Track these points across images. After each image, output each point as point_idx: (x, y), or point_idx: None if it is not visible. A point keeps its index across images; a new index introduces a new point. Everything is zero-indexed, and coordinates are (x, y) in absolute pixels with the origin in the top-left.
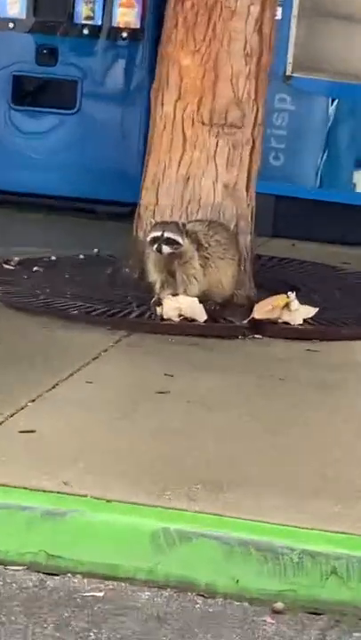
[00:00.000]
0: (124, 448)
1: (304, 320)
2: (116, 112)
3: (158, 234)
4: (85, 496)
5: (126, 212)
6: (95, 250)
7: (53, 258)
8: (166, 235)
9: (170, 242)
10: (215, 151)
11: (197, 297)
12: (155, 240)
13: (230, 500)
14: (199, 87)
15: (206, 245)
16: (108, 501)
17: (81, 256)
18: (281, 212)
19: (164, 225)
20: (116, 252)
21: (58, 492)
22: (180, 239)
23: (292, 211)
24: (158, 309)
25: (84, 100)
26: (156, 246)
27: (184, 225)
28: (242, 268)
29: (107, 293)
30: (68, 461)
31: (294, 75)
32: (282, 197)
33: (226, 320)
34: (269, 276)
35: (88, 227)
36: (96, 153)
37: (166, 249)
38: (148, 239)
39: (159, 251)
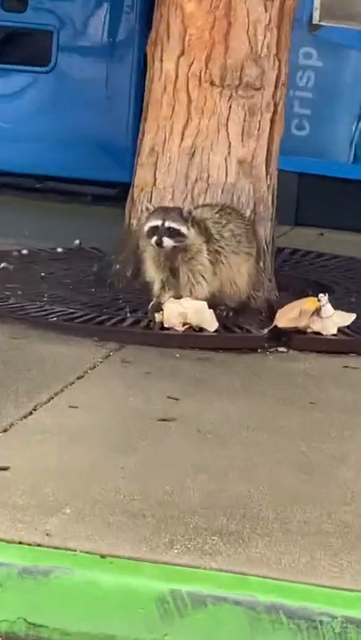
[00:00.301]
0: (121, 489)
1: (339, 329)
2: (101, 70)
3: (157, 223)
4: (74, 550)
5: (113, 193)
6: (76, 241)
7: (25, 252)
8: (167, 224)
9: (172, 233)
10: (227, 118)
11: (206, 300)
12: (153, 231)
13: (255, 555)
14: (207, 39)
15: (217, 237)
16: (102, 557)
17: (59, 249)
18: (306, 195)
19: (164, 211)
20: (102, 245)
21: (39, 546)
22: (184, 229)
23: (319, 192)
24: (158, 316)
25: (61, 54)
26: (154, 239)
27: (189, 211)
28: (260, 264)
29: (93, 296)
30: (50, 506)
31: (322, 23)
32: (307, 176)
33: (242, 329)
34: (294, 274)
35: (66, 212)
36: (75, 121)
37: (168, 242)
38: (145, 229)
39: (159, 244)
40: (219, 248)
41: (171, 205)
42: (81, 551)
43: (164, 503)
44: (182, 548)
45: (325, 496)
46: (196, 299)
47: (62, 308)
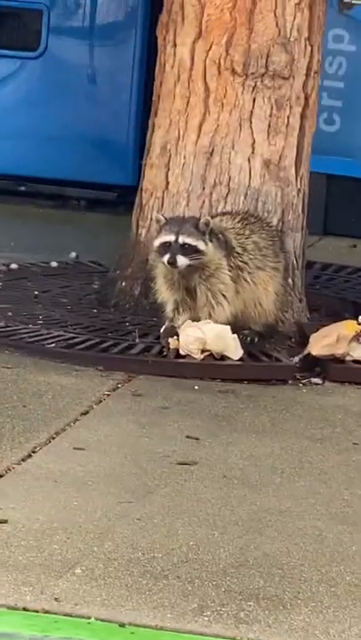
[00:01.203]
0: (139, 545)
1: None
2: (98, 55)
3: (170, 238)
4: (88, 618)
5: (111, 198)
6: (72, 254)
7: (14, 266)
8: (182, 239)
9: (187, 250)
10: (251, 112)
11: (228, 324)
12: (165, 247)
13: (298, 623)
14: (228, 20)
15: (240, 250)
16: (121, 625)
17: (53, 263)
18: (336, 200)
19: (177, 224)
20: (102, 258)
21: (47, 613)
22: (201, 245)
23: (351, 197)
24: (172, 341)
25: (52, 37)
26: (167, 257)
27: (207, 222)
28: (289, 281)
29: (95, 318)
30: (58, 566)
31: (356, 1)
32: (337, 178)
33: (270, 357)
34: (327, 293)
35: (60, 220)
36: (67, 114)
37: (182, 261)
38: (156, 245)
39: (172, 264)
40: (241, 263)
41: (184, 215)
42: (96, 619)
43: (189, 561)
44: (214, 615)
45: None
46: (216, 322)
47: (60, 332)
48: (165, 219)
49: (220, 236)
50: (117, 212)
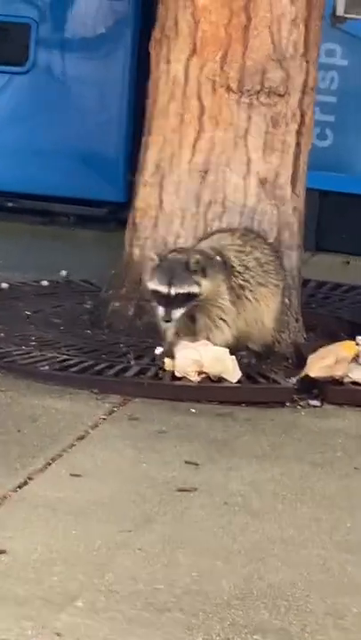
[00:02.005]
0: (140, 576)
1: None
2: (87, 70)
3: (163, 290)
4: None
5: (101, 214)
6: (63, 272)
7: (5, 285)
8: (174, 291)
9: (181, 299)
10: (247, 130)
11: (228, 347)
12: (158, 298)
13: None
14: (223, 36)
15: (240, 268)
16: None
17: (44, 282)
18: (329, 216)
19: (168, 270)
20: (94, 276)
21: None
22: (195, 288)
23: (344, 213)
24: (167, 363)
25: (39, 52)
26: (162, 314)
27: (197, 261)
28: (286, 300)
29: (88, 339)
30: (58, 599)
31: (348, 15)
32: (330, 194)
33: (267, 379)
34: (323, 312)
35: (49, 237)
36: (56, 129)
37: (177, 314)
38: (149, 290)
39: (168, 321)
40: (243, 282)
41: (176, 248)
42: None
43: (192, 593)
44: None
45: None
46: (215, 345)
47: (54, 353)
48: (158, 258)
49: (218, 257)
50: (108, 229)
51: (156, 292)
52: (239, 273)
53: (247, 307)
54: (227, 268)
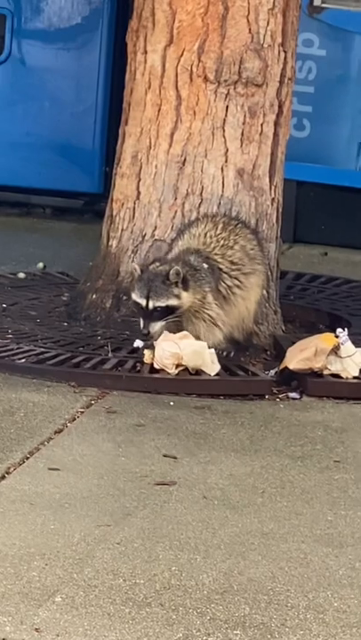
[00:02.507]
0: (120, 571)
1: None
2: (64, 60)
3: (142, 302)
4: None
5: (77, 206)
6: (40, 264)
7: None
8: (152, 304)
9: (159, 312)
10: (224, 120)
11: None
12: (138, 310)
13: None
14: (200, 26)
15: (226, 268)
16: None
17: (21, 274)
18: (306, 206)
19: (147, 282)
20: (71, 268)
21: None
22: (173, 301)
23: (322, 204)
24: (147, 355)
25: (16, 42)
26: (141, 327)
27: (178, 273)
28: (264, 292)
29: (66, 332)
30: (37, 594)
31: (325, 5)
32: (307, 185)
33: (246, 371)
34: (301, 304)
35: (26, 229)
36: (32, 120)
37: (156, 327)
38: (131, 301)
39: (146, 335)
40: (231, 283)
41: (154, 258)
42: None
43: (172, 588)
44: None
45: None
46: (209, 347)
47: (31, 346)
48: (140, 269)
49: (205, 264)
50: (84, 221)
51: (135, 304)
52: (227, 274)
53: (239, 301)
54: (214, 273)
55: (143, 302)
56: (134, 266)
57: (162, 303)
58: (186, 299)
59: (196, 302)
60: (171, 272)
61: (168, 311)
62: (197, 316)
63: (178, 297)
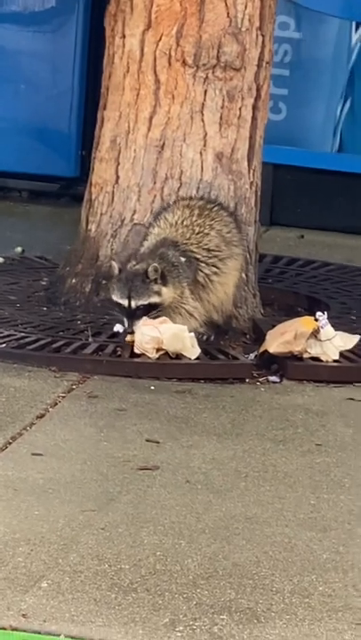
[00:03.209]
0: (105, 556)
1: (341, 354)
2: (39, 44)
3: (123, 302)
4: (57, 636)
5: (54, 189)
6: (17, 249)
7: None
8: (134, 304)
9: (142, 310)
10: (203, 104)
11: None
12: (120, 309)
13: (273, 637)
14: (178, 10)
15: (204, 257)
16: None
17: None
18: (283, 189)
19: (127, 281)
20: (49, 252)
21: (14, 630)
22: (155, 298)
23: (298, 187)
24: (128, 339)
25: None
26: (126, 326)
27: (156, 269)
28: (243, 276)
29: (45, 316)
30: (23, 580)
31: None
32: (283, 167)
33: (226, 355)
34: (279, 287)
35: (2, 213)
36: (9, 104)
37: (140, 323)
38: (112, 301)
39: (130, 333)
40: (209, 271)
41: (135, 256)
42: (66, 636)
43: (157, 573)
44: (187, 631)
45: (347, 560)
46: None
47: (11, 331)
48: (118, 269)
49: (182, 258)
50: (60, 204)
51: (117, 305)
52: (205, 263)
53: (216, 289)
54: (191, 265)
55: (125, 303)
56: (113, 264)
57: (144, 301)
58: (166, 294)
59: (176, 298)
60: (149, 270)
61: (150, 308)
62: (175, 310)
63: (158, 293)
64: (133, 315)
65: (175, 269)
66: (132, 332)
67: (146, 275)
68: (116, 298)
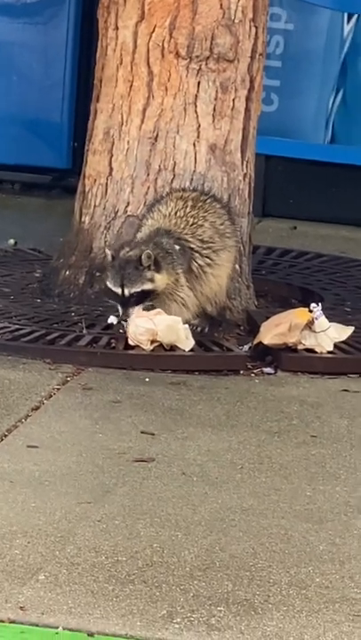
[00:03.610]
0: (102, 549)
1: (335, 345)
2: (31, 34)
3: (117, 290)
4: (55, 628)
5: (46, 181)
6: (10, 241)
7: None
8: (127, 291)
9: (136, 298)
10: (196, 96)
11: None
12: (114, 297)
13: (271, 629)
14: (171, 2)
15: (197, 247)
16: (89, 635)
17: None
18: (275, 181)
19: (120, 269)
20: (42, 244)
21: (12, 622)
22: (148, 285)
23: (290, 178)
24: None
25: None
26: (120, 314)
27: (149, 256)
28: (237, 267)
29: (39, 308)
30: (21, 572)
31: None
32: (276, 159)
33: (221, 347)
34: (273, 279)
35: None
36: (0, 96)
37: (134, 310)
38: (106, 288)
39: (125, 321)
40: (203, 262)
41: (123, 243)
42: (64, 628)
43: (154, 565)
44: (184, 622)
45: (344, 552)
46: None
47: (5, 323)
48: (111, 256)
49: (177, 246)
50: (52, 196)
51: (111, 292)
52: (199, 253)
53: (209, 280)
54: (185, 254)
55: (119, 290)
56: (107, 251)
57: (137, 288)
58: (160, 281)
59: (170, 284)
60: (142, 256)
61: (144, 295)
62: (170, 297)
63: (152, 280)
64: (128, 302)
65: (169, 256)
66: (127, 320)
67: (139, 261)
68: (110, 285)
